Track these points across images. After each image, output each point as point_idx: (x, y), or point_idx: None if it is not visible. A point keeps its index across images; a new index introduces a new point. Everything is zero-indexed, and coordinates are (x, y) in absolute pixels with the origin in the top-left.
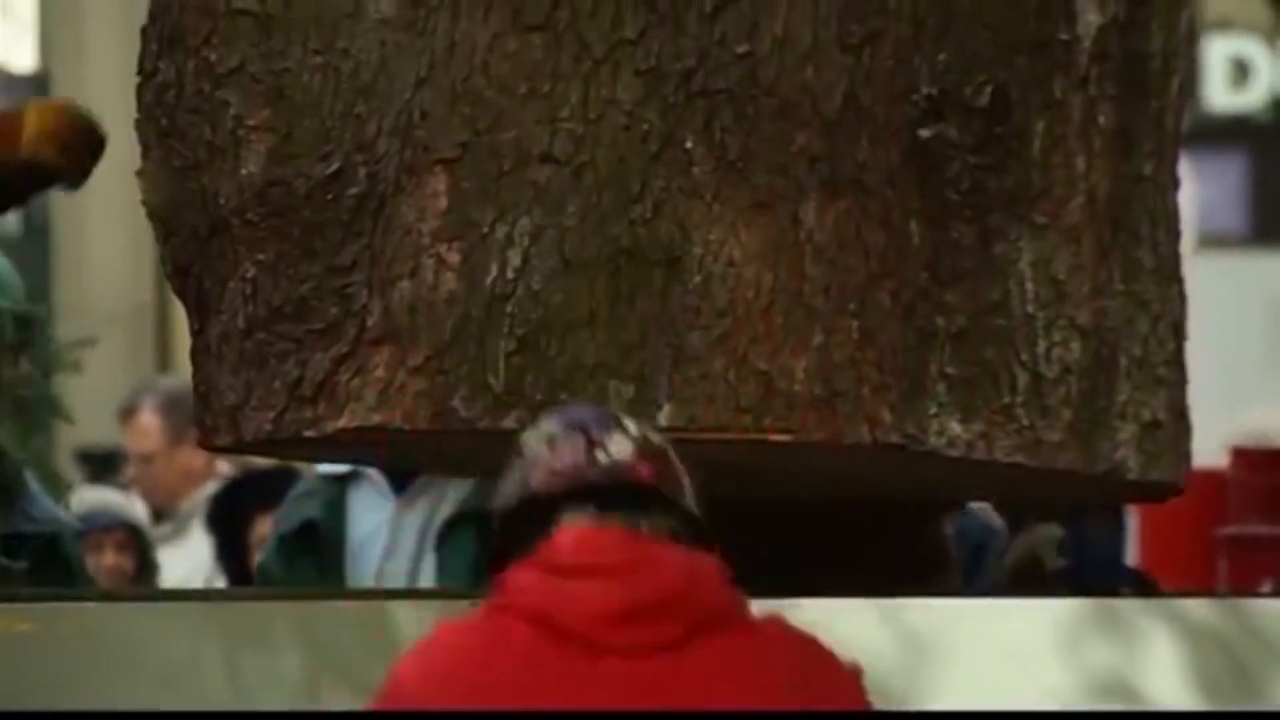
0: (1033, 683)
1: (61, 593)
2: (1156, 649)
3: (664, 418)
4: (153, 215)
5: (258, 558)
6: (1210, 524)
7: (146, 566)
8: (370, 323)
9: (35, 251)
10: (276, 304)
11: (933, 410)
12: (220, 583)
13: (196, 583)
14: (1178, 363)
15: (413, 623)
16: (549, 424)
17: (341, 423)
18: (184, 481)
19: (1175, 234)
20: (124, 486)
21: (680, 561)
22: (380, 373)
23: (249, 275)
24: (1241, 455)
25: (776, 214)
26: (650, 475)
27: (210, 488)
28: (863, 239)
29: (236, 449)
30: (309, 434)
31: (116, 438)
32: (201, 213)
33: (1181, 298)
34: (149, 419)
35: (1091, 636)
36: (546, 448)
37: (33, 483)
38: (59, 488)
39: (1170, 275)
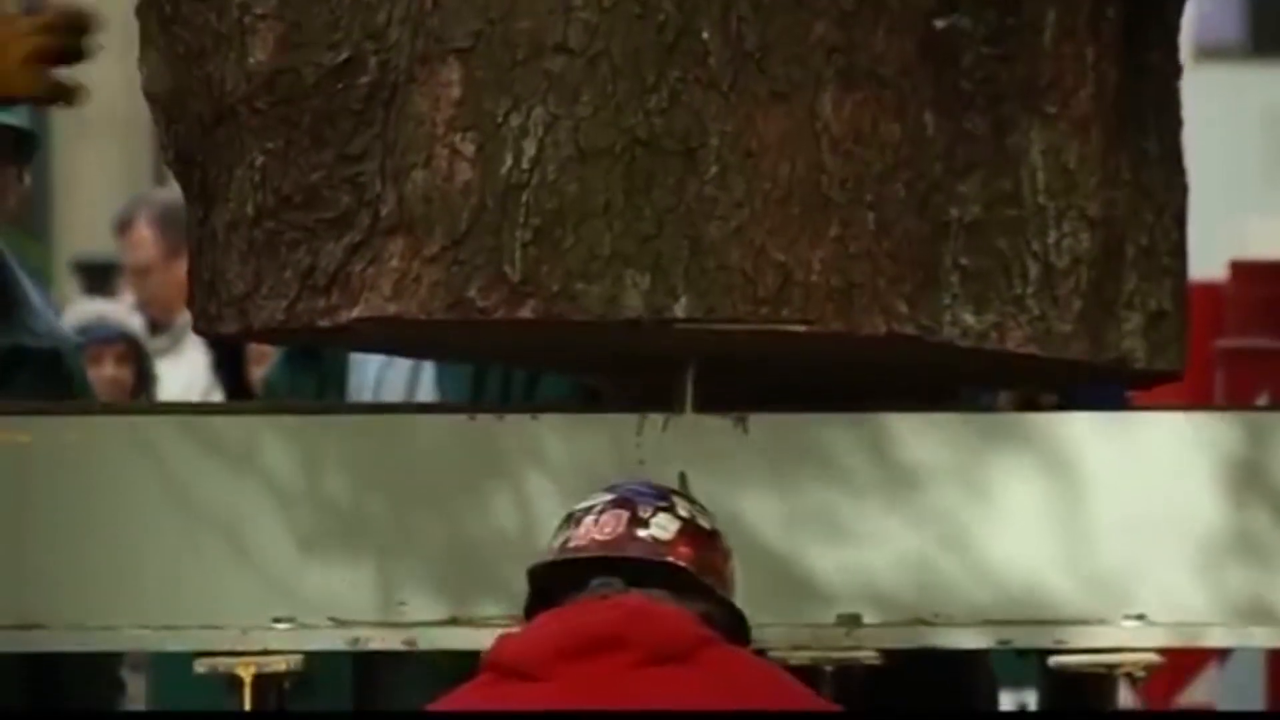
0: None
1: (60, 406)
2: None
3: (680, 309)
4: (154, 102)
5: (255, 370)
6: (1208, 337)
7: (145, 378)
8: (384, 212)
9: None
10: (286, 192)
11: (946, 301)
12: (218, 395)
13: (194, 395)
14: (1180, 252)
15: (411, 435)
16: (602, 494)
17: (356, 313)
18: (181, 294)
19: (1178, 123)
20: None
21: (632, 603)
22: (395, 263)
23: (257, 163)
24: (1240, 268)
25: (793, 105)
26: (688, 558)
27: None
28: (879, 130)
29: (244, 337)
30: (322, 324)
31: (113, 250)
32: (206, 101)
33: (1183, 188)
34: (145, 231)
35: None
36: (593, 516)
37: (35, 296)
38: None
39: (1174, 165)
